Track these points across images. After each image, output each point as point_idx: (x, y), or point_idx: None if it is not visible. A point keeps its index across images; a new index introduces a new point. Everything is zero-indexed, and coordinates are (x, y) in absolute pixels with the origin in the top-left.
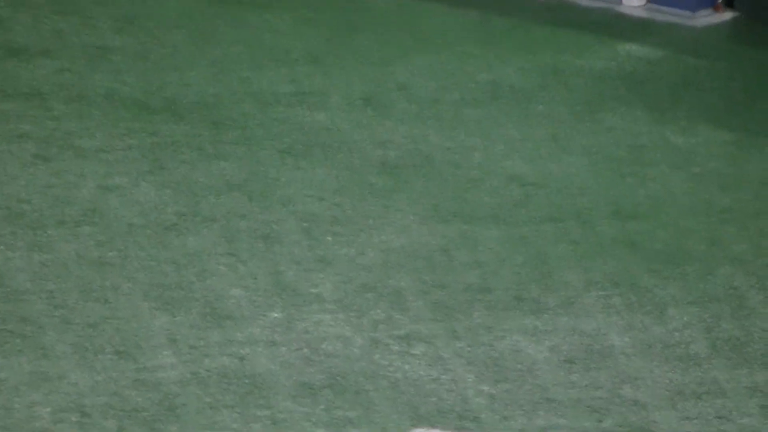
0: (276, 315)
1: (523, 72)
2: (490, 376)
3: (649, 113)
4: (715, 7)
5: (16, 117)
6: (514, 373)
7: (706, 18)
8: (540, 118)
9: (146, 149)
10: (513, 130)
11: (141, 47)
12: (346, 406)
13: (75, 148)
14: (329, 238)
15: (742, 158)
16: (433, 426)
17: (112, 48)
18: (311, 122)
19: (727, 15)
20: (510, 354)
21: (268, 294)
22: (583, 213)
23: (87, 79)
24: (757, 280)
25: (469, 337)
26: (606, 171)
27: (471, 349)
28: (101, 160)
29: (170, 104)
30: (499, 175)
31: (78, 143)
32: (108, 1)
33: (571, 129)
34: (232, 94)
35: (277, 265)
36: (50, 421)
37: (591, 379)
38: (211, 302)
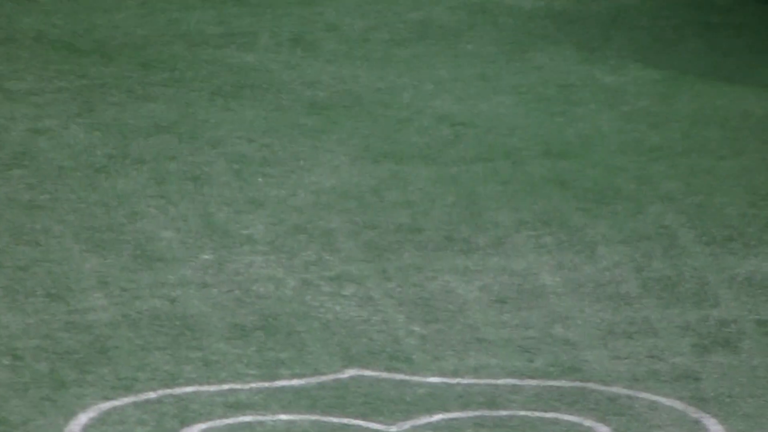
0: (207, 257)
1: (452, 11)
2: (420, 316)
3: (578, 52)
4: None
5: None
6: (445, 314)
7: None
8: (469, 58)
9: (76, 91)
10: (442, 69)
11: None
12: (278, 348)
13: (4, 91)
14: (260, 179)
15: (671, 96)
16: (364, 367)
17: None
18: (240, 63)
19: None
20: (441, 294)
21: (198, 236)
22: (513, 152)
23: (15, 22)
24: (687, 219)
25: (399, 278)
26: (535, 110)
27: (402, 289)
28: (31, 102)
29: (99, 46)
30: (428, 114)
31: (7, 86)
32: None
33: (501, 68)
34: (160, 35)
35: (208, 207)
36: None
37: (522, 319)
38: (141, 244)
